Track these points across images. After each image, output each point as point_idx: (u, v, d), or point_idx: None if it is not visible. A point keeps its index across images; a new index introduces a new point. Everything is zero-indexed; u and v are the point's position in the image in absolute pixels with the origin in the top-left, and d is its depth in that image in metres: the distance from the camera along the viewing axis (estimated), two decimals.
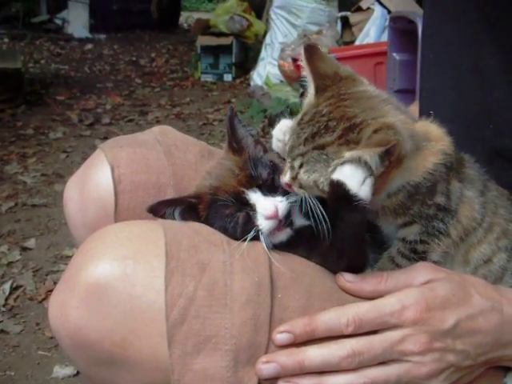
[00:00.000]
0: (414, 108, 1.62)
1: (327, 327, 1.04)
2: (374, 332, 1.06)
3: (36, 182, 4.68)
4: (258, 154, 1.25)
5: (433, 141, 1.14)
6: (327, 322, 1.04)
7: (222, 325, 1.02)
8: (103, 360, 1.07)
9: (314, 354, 1.03)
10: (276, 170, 1.20)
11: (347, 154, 1.00)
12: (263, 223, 1.12)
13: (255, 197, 1.15)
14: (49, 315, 1.09)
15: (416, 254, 1.15)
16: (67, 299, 1.05)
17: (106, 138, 5.78)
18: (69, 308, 1.04)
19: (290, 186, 1.12)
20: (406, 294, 1.07)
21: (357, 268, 1.12)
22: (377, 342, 1.04)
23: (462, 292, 1.09)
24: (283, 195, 1.15)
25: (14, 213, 4.14)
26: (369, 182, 1.01)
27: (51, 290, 3.13)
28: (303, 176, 1.07)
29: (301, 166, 1.07)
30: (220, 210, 1.17)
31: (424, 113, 1.44)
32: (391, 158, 0.99)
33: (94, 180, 1.32)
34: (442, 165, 1.12)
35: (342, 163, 1.01)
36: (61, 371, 2.62)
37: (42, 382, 2.59)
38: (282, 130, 1.20)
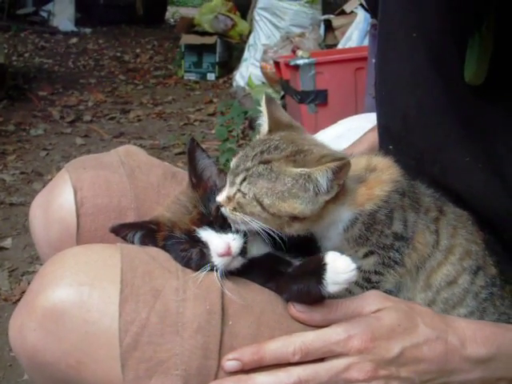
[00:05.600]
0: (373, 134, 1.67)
1: (275, 356, 1.08)
2: (322, 360, 1.10)
3: (15, 180, 4.66)
4: (220, 183, 1.25)
5: (378, 170, 1.18)
6: (275, 351, 1.08)
7: (173, 351, 1.05)
8: (59, 380, 1.11)
9: (262, 381, 1.06)
10: None
11: (297, 170, 1.06)
12: (217, 260, 1.14)
13: (206, 235, 1.16)
14: (9, 336, 1.12)
15: (369, 284, 1.19)
16: (26, 322, 1.08)
17: (86, 136, 5.79)
18: (27, 330, 1.08)
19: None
20: (352, 323, 1.11)
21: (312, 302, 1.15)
22: (322, 370, 1.08)
23: (407, 321, 1.12)
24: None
25: None
26: (342, 288, 1.08)
27: None
28: (244, 189, 1.10)
29: (243, 181, 1.10)
30: (175, 245, 1.19)
31: (383, 147, 1.49)
32: (341, 179, 1.06)
33: (58, 201, 1.35)
34: (395, 192, 1.16)
35: (289, 180, 1.07)
36: None
37: None
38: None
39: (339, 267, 1.06)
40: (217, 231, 1.16)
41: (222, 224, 1.17)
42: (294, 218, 1.09)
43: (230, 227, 1.16)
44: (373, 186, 1.15)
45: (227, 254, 1.13)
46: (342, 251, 1.15)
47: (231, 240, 1.14)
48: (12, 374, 2.64)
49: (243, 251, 1.16)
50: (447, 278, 1.20)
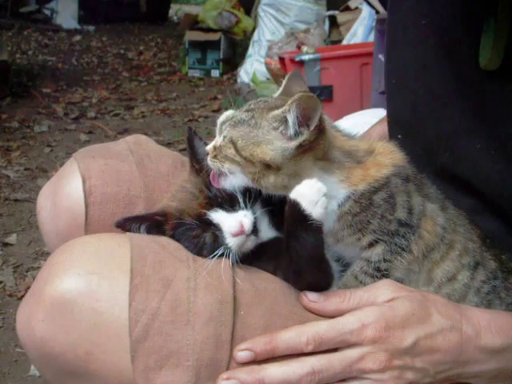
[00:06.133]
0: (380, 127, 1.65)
1: (287, 346, 1.06)
2: (335, 350, 1.08)
3: (19, 176, 4.66)
4: None
5: (377, 154, 1.18)
6: (287, 341, 1.06)
7: (184, 341, 1.03)
8: (68, 372, 1.09)
9: (275, 372, 1.04)
10: None
11: (272, 113, 1.09)
12: (231, 241, 1.13)
13: (218, 216, 1.16)
14: (17, 327, 1.11)
15: (379, 272, 1.17)
16: (34, 312, 1.07)
17: (90, 133, 5.78)
18: (35, 321, 1.06)
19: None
20: (366, 312, 1.09)
21: (320, 286, 1.14)
22: (336, 360, 1.06)
23: (422, 311, 1.11)
24: (245, 206, 1.17)
25: None
26: (323, 202, 1.05)
27: None
28: (224, 132, 1.12)
29: (227, 126, 1.13)
30: (186, 232, 1.18)
31: (392, 137, 1.47)
32: (310, 120, 1.05)
33: (66, 191, 1.33)
34: (396, 176, 1.15)
35: (265, 124, 1.09)
36: None
37: (19, 380, 2.58)
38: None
39: (303, 190, 1.05)
40: (228, 211, 1.16)
41: (231, 203, 1.17)
42: (268, 167, 1.09)
43: (239, 204, 1.16)
44: (369, 168, 1.15)
45: (241, 232, 1.12)
46: (340, 239, 1.17)
47: (243, 217, 1.14)
48: (17, 370, 2.63)
49: (255, 229, 1.15)
50: (448, 273, 1.19)
